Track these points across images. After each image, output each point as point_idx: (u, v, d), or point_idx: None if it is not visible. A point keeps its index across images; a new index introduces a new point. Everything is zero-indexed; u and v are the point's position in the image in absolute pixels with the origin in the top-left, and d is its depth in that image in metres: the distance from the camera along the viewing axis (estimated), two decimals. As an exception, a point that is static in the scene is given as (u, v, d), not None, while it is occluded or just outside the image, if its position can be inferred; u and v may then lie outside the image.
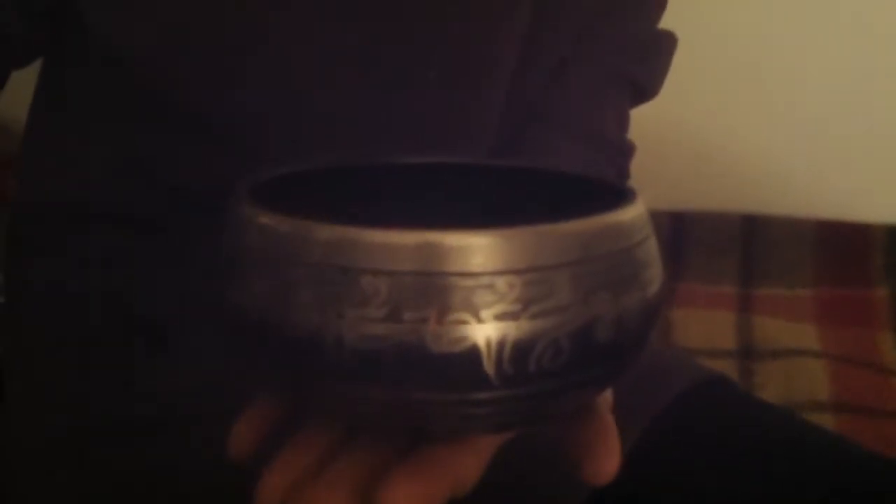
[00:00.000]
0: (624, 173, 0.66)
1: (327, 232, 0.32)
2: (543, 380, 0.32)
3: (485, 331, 0.31)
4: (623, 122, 0.67)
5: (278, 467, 0.37)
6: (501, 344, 0.31)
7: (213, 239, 0.37)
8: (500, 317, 0.31)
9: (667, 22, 0.68)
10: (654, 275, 0.36)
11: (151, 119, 0.55)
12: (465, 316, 0.31)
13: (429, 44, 0.54)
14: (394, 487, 0.34)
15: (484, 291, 0.31)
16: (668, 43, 0.68)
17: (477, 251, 0.31)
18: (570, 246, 0.32)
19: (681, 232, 1.43)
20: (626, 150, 0.66)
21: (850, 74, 1.42)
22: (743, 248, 1.41)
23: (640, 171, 0.67)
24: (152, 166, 0.56)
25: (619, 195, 0.37)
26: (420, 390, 0.32)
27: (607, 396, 0.40)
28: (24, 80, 0.61)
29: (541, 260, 0.32)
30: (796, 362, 1.15)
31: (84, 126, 0.58)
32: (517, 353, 0.31)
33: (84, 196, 0.58)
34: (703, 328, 1.25)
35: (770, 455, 0.56)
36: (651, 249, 0.36)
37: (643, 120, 0.70)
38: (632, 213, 0.36)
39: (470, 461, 0.36)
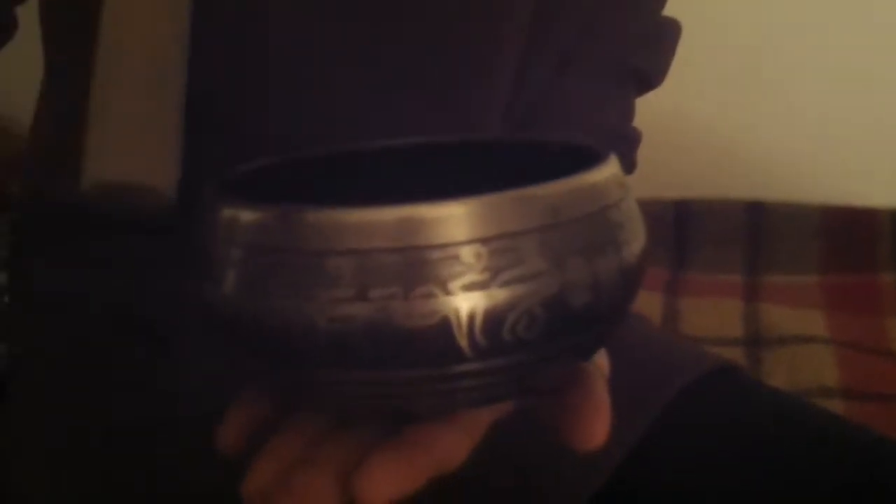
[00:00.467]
0: (629, 161, 0.65)
1: (291, 217, 0.32)
2: (520, 350, 0.32)
3: (454, 302, 0.31)
4: (628, 112, 0.66)
5: (266, 456, 0.36)
6: (472, 315, 0.31)
7: (188, 237, 0.37)
8: (468, 287, 0.31)
9: (670, 11, 0.68)
10: (632, 236, 0.35)
11: None
12: (433, 289, 0.31)
13: (429, 44, 0.54)
14: (371, 470, 0.34)
15: (450, 262, 0.31)
16: (672, 30, 0.68)
17: (440, 223, 0.31)
18: (538, 211, 0.32)
19: (686, 220, 1.42)
20: (631, 139, 0.66)
21: (856, 60, 1.42)
22: (749, 235, 1.40)
23: (644, 159, 0.67)
24: None
25: (596, 158, 0.36)
26: (395, 369, 0.32)
27: (602, 363, 0.40)
28: (25, 81, 0.61)
29: (507, 227, 0.31)
30: (804, 349, 1.15)
31: (85, 129, 0.58)
32: (489, 324, 0.31)
33: (84, 201, 0.58)
34: (710, 317, 1.24)
35: (783, 442, 0.56)
36: (627, 211, 0.35)
37: (647, 108, 0.70)
38: (604, 174, 0.35)
39: (455, 438, 0.36)
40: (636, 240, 0.35)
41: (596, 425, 0.36)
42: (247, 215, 0.34)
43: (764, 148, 1.47)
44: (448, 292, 0.31)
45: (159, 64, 0.47)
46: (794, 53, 1.43)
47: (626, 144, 0.65)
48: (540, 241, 0.32)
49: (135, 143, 0.46)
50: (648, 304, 1.24)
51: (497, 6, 0.55)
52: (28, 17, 0.58)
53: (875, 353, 1.15)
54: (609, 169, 0.35)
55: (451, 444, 0.36)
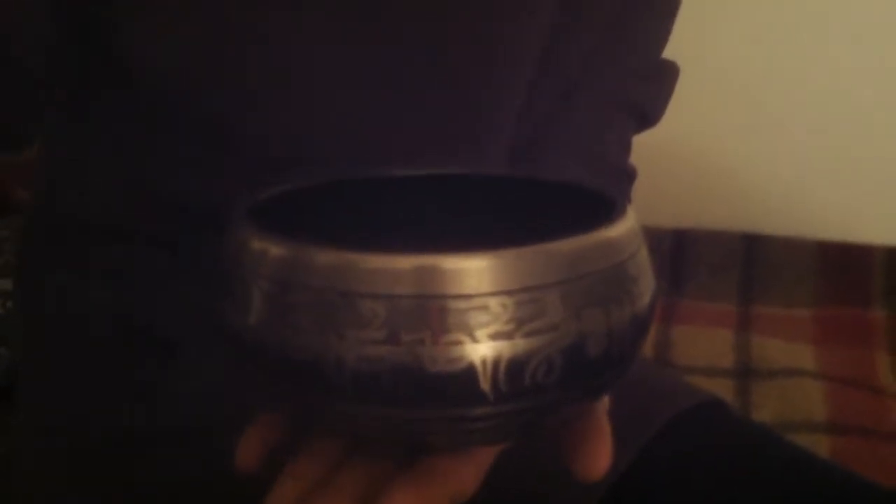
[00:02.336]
0: (625, 196, 0.67)
1: (326, 256, 0.33)
2: (538, 394, 0.33)
3: (480, 350, 0.32)
4: (626, 147, 0.67)
5: (286, 479, 0.38)
6: (497, 362, 0.32)
7: (213, 259, 0.38)
8: (494, 336, 0.32)
9: (671, 43, 0.69)
10: (645, 288, 0.37)
11: (157, 135, 0.55)
12: (461, 336, 0.32)
13: (438, 66, 0.55)
14: (392, 498, 0.35)
15: (478, 312, 0.32)
16: (670, 72, 0.69)
17: (471, 274, 0.32)
18: (560, 265, 0.33)
19: (682, 249, 1.43)
20: (628, 175, 0.67)
21: (853, 96, 1.43)
22: (743, 266, 1.41)
23: (644, 188, 0.68)
24: (162, 182, 0.56)
25: (611, 208, 0.38)
26: (419, 408, 0.33)
27: (604, 398, 0.41)
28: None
29: (532, 280, 0.33)
30: (793, 382, 1.15)
31: (96, 141, 0.58)
32: (512, 371, 0.32)
33: (94, 210, 0.58)
34: (703, 346, 1.25)
35: (761, 481, 0.57)
36: (641, 262, 0.37)
37: (648, 139, 0.71)
38: (621, 229, 0.36)
39: (468, 470, 0.38)
40: (647, 292, 0.37)
41: (600, 455, 0.38)
42: (275, 249, 0.35)
43: (761, 181, 1.48)
44: (475, 340, 0.32)
45: None
46: (793, 89, 1.44)
47: (623, 178, 0.66)
48: (561, 293, 0.33)
49: None
50: (644, 330, 1.25)
51: (510, 37, 0.56)
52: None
53: (864, 388, 1.15)
54: (627, 222, 0.37)
55: (465, 476, 0.37)
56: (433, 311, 0.32)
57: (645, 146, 0.70)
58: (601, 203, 0.40)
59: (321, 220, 0.44)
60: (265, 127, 0.54)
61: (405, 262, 0.32)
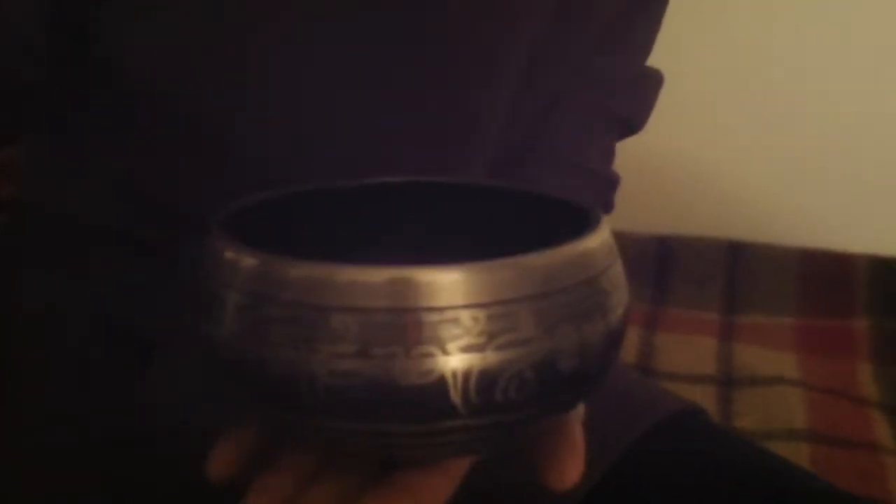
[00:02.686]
0: (608, 204, 0.67)
1: (299, 270, 0.33)
2: (509, 408, 0.33)
3: (451, 363, 0.32)
4: (608, 156, 0.68)
5: (256, 493, 0.38)
6: (467, 375, 0.32)
7: (191, 266, 0.38)
8: (465, 349, 0.32)
9: (655, 51, 0.70)
10: (618, 301, 0.37)
11: (150, 138, 0.55)
12: (433, 349, 0.32)
13: (429, 60, 0.55)
14: None
15: (450, 325, 0.32)
16: (654, 80, 0.69)
17: (443, 287, 0.32)
18: (533, 280, 0.33)
19: (667, 257, 1.43)
20: (610, 182, 0.67)
21: (837, 106, 1.43)
22: (727, 275, 1.41)
23: (628, 195, 0.69)
24: (148, 186, 0.56)
25: (586, 218, 0.38)
26: (390, 422, 0.33)
27: (578, 407, 0.41)
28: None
29: (504, 294, 0.33)
30: (774, 390, 1.15)
31: (81, 143, 0.58)
32: (483, 384, 0.32)
33: (78, 212, 0.58)
34: (685, 354, 1.25)
35: (740, 490, 0.57)
36: (614, 276, 0.37)
37: (632, 146, 0.71)
38: (595, 242, 0.36)
39: (441, 482, 0.38)
40: (620, 305, 0.37)
41: (571, 466, 0.38)
42: (249, 262, 0.34)
43: (745, 189, 1.48)
44: (446, 353, 0.32)
45: None
46: (778, 97, 1.45)
47: (605, 186, 0.66)
48: (533, 307, 0.33)
49: None
50: (626, 338, 1.25)
51: (498, 46, 0.56)
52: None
53: (845, 397, 1.16)
54: (600, 236, 0.37)
55: (438, 488, 0.37)
56: (406, 325, 0.32)
57: (629, 153, 0.71)
58: (578, 213, 0.40)
59: (298, 230, 0.44)
60: (253, 129, 0.54)
61: (378, 275, 0.32)
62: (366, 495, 0.36)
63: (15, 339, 0.61)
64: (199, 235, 0.40)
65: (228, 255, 0.35)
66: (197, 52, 0.51)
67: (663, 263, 1.43)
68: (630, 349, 1.24)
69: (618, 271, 0.37)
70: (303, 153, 0.54)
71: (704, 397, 1.12)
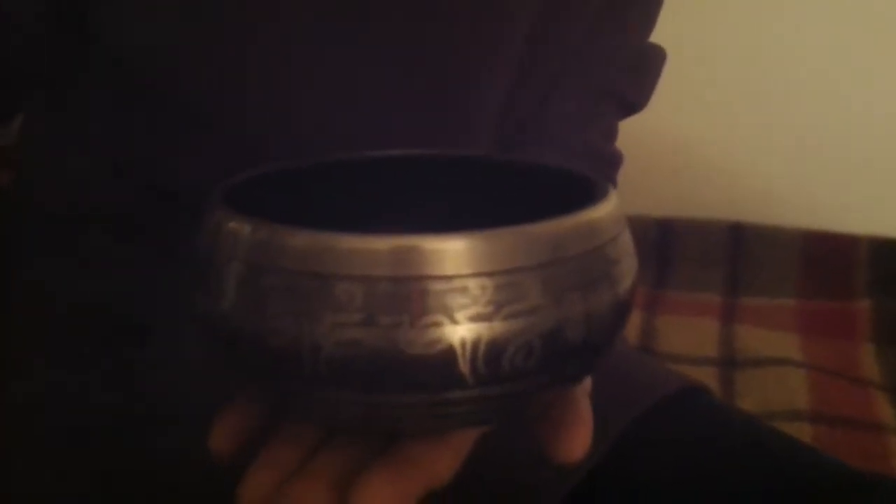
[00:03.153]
0: (612, 182, 0.66)
1: (301, 238, 0.32)
2: (516, 378, 0.33)
3: (459, 332, 0.31)
4: (611, 134, 0.67)
5: (261, 465, 0.37)
6: (476, 344, 0.32)
7: (189, 245, 0.37)
8: (473, 318, 0.31)
9: (657, 32, 0.69)
10: (626, 271, 0.36)
11: (146, 121, 0.55)
12: (440, 318, 0.31)
13: (428, 57, 0.55)
14: (368, 485, 0.35)
15: (457, 294, 0.31)
16: (657, 57, 0.69)
17: (450, 255, 0.31)
18: (542, 248, 0.33)
19: (669, 239, 1.43)
20: (613, 161, 0.67)
21: (839, 86, 1.44)
22: (729, 256, 1.41)
23: (629, 177, 0.68)
24: (145, 169, 0.56)
25: (593, 190, 0.37)
26: (396, 393, 0.33)
27: (585, 381, 0.41)
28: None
29: (512, 262, 0.32)
30: (776, 371, 1.16)
31: (78, 128, 0.58)
32: (491, 354, 0.32)
33: (74, 197, 0.58)
34: (687, 335, 1.25)
35: (744, 466, 0.57)
36: (623, 245, 0.36)
37: (634, 127, 0.71)
38: (603, 211, 0.36)
39: (446, 455, 0.37)
40: (629, 275, 0.36)
41: (578, 439, 0.38)
42: (250, 231, 0.34)
43: (748, 171, 1.48)
44: (454, 321, 0.31)
45: None
46: (780, 78, 1.45)
47: (608, 165, 0.66)
48: (541, 276, 0.32)
49: None
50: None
51: (495, 33, 0.56)
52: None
53: (847, 378, 1.16)
54: (609, 205, 0.36)
55: (443, 461, 0.37)
56: (412, 293, 0.31)
57: (631, 135, 0.70)
58: (585, 187, 0.39)
59: (300, 204, 0.44)
60: (245, 109, 0.54)
61: (382, 244, 0.32)
62: (369, 467, 0.35)
63: (12, 326, 0.60)
64: (192, 214, 0.39)
65: (229, 225, 0.35)
66: (181, 30, 0.51)
67: (665, 245, 1.43)
68: (632, 331, 1.24)
69: (626, 241, 0.37)
70: (293, 133, 0.54)
71: (706, 379, 1.11)
